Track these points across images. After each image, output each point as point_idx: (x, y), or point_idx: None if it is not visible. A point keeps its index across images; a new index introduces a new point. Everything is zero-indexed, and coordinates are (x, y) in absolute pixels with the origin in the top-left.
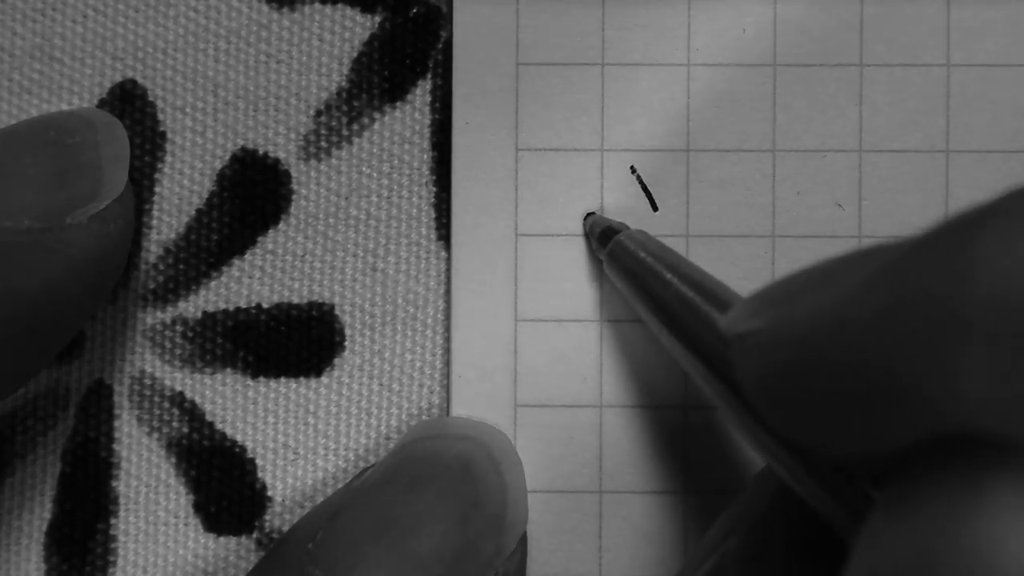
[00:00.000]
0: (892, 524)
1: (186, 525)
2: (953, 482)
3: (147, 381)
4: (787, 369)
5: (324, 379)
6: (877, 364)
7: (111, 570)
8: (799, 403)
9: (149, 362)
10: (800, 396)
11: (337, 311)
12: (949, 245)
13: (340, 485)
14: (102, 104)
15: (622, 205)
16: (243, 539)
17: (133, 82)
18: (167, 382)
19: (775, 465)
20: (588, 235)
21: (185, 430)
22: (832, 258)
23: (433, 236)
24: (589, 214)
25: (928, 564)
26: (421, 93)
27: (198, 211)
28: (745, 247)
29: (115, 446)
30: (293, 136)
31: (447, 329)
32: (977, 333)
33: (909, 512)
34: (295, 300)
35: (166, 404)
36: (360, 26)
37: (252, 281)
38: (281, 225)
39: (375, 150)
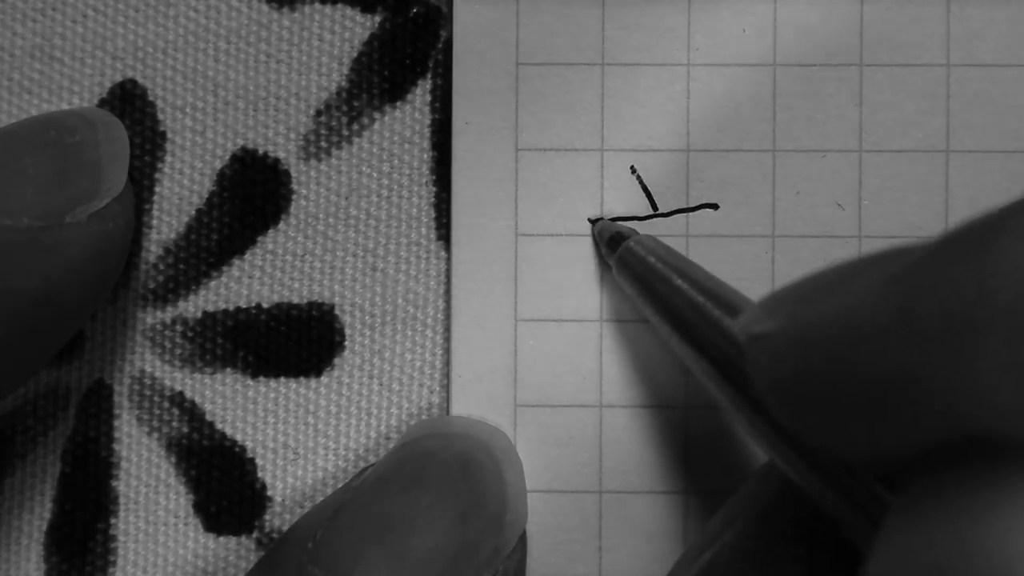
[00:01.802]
0: (912, 526)
1: (186, 525)
2: (975, 484)
3: (147, 381)
4: (803, 371)
5: (324, 379)
6: (895, 366)
7: (111, 570)
8: (815, 405)
9: (149, 362)
10: (816, 398)
11: (337, 311)
12: (968, 249)
13: (340, 485)
14: (102, 104)
15: (622, 205)
16: (243, 539)
17: (133, 82)
18: (167, 382)
19: (787, 467)
20: (596, 240)
21: (185, 430)
22: (847, 260)
23: (433, 236)
24: (597, 219)
25: (951, 566)
26: (421, 93)
27: (198, 211)
28: (745, 247)
29: (115, 446)
30: (293, 136)
31: (447, 329)
32: (998, 336)
33: (930, 514)
34: (295, 300)
35: (166, 404)
36: (360, 26)
37: (252, 281)
38: (281, 225)
39: (375, 150)
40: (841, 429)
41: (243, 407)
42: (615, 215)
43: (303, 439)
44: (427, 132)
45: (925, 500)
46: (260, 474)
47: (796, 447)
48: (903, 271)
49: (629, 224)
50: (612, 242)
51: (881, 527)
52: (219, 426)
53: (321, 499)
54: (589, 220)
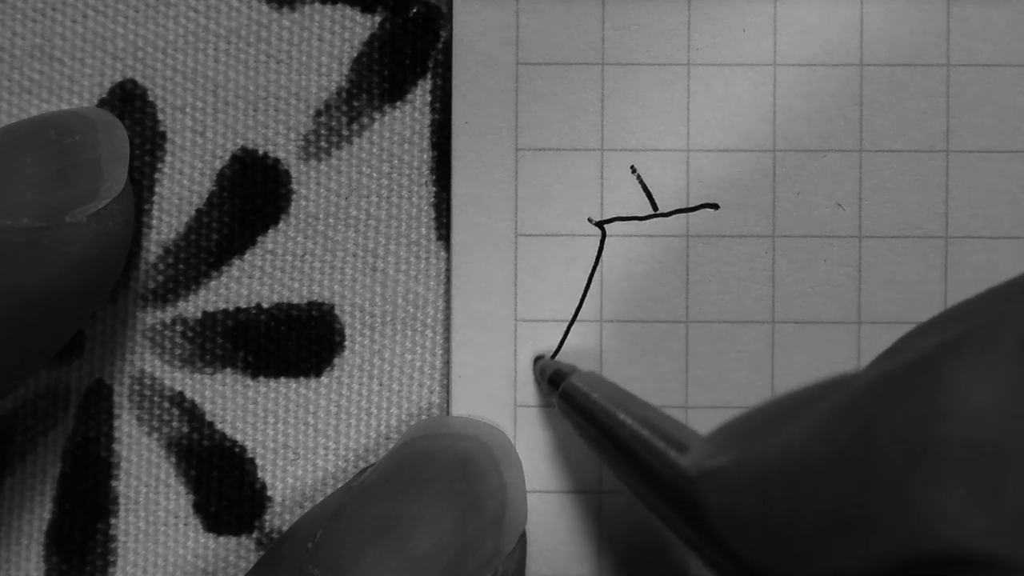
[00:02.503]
0: None
1: (186, 525)
2: None
3: (147, 381)
4: (757, 503)
5: (324, 379)
6: (849, 496)
7: (111, 570)
8: (771, 535)
9: (149, 362)
10: (772, 528)
11: (337, 311)
12: (915, 384)
13: (340, 485)
14: (102, 104)
15: (622, 205)
16: (243, 539)
17: (133, 82)
18: (167, 382)
19: None
20: (538, 380)
21: (185, 430)
22: (795, 391)
23: (433, 236)
24: (538, 358)
25: None
26: (421, 93)
27: (198, 211)
28: (745, 247)
29: (115, 446)
30: (293, 136)
31: (447, 329)
32: (952, 467)
33: None
34: (295, 300)
35: (166, 404)
36: (360, 26)
37: (252, 281)
38: (281, 225)
39: (375, 150)
40: (799, 558)
41: (243, 407)
42: (615, 215)
43: (303, 439)
44: (427, 132)
45: None
46: (260, 474)
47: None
48: (849, 403)
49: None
50: (553, 380)
51: None
52: (219, 426)
53: (321, 499)
54: (534, 360)
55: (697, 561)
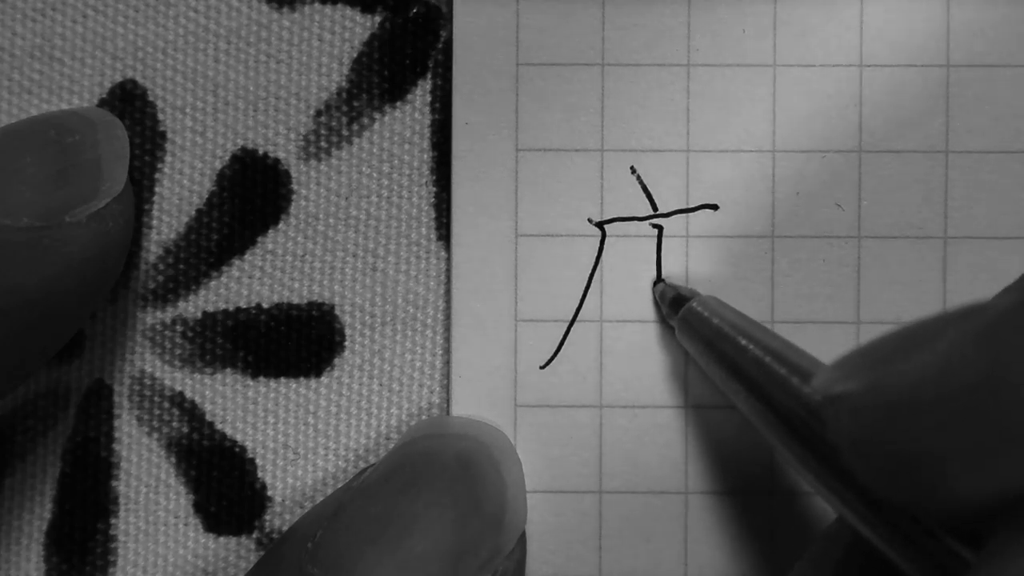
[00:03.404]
0: None
1: (186, 525)
2: None
3: (147, 381)
4: (885, 430)
5: (324, 379)
6: (980, 424)
7: (111, 570)
8: (898, 463)
9: (149, 362)
10: (899, 456)
11: (337, 311)
12: None
13: (340, 485)
14: (102, 104)
15: (622, 205)
16: (243, 539)
17: (133, 82)
18: (167, 382)
19: (862, 526)
20: (658, 302)
21: (185, 430)
22: (924, 319)
23: (433, 236)
24: (658, 281)
25: None
26: (421, 93)
27: (198, 211)
28: (745, 247)
29: (115, 446)
30: (293, 136)
31: (447, 329)
32: None
33: (1013, 569)
34: (295, 300)
35: (166, 404)
36: (360, 26)
37: (252, 281)
38: (281, 225)
39: (375, 150)
40: (926, 485)
41: (243, 407)
42: (615, 215)
43: (303, 439)
44: (427, 132)
45: (1008, 555)
46: (260, 474)
47: (874, 506)
48: (989, 327)
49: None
50: (675, 303)
51: None
52: (219, 426)
53: (321, 499)
54: (653, 282)
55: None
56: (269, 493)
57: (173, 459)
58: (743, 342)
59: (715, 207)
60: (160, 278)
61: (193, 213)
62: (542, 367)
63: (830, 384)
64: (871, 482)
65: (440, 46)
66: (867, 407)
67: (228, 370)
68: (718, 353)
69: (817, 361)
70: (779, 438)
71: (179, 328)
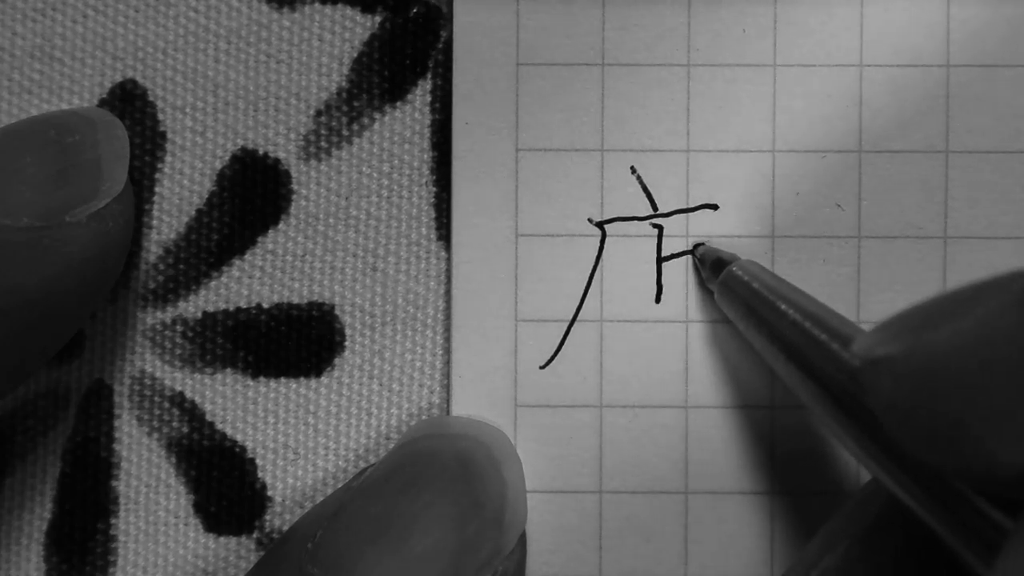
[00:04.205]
0: None
1: (186, 525)
2: None
3: (147, 381)
4: (927, 395)
5: (324, 379)
6: (1022, 386)
7: (111, 570)
8: (940, 428)
9: (149, 362)
10: (941, 421)
11: (337, 311)
12: None
13: (340, 485)
14: (102, 104)
15: (622, 205)
16: (243, 539)
17: (133, 82)
18: (167, 382)
19: (900, 491)
20: (698, 265)
21: (185, 430)
22: (963, 286)
23: (433, 236)
24: (698, 244)
25: None
26: (421, 93)
27: (198, 211)
28: (745, 247)
29: (115, 446)
30: (293, 136)
31: (447, 329)
32: None
33: None
34: (295, 300)
35: (166, 404)
36: (360, 26)
37: (252, 281)
38: (281, 225)
39: (375, 150)
40: (966, 450)
41: (243, 407)
42: (615, 215)
43: (303, 439)
44: (427, 132)
45: None
46: (260, 474)
47: (912, 470)
48: None
49: (711, 243)
50: (715, 267)
51: (1000, 552)
52: (219, 426)
53: (321, 499)
54: (694, 247)
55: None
56: (269, 493)
57: (173, 459)
58: (783, 306)
59: (715, 207)
60: (160, 278)
61: (193, 213)
62: (542, 367)
63: (871, 348)
64: (910, 447)
65: (440, 46)
66: (908, 372)
67: (228, 370)
68: (758, 317)
69: (858, 327)
70: (819, 403)
71: (179, 328)
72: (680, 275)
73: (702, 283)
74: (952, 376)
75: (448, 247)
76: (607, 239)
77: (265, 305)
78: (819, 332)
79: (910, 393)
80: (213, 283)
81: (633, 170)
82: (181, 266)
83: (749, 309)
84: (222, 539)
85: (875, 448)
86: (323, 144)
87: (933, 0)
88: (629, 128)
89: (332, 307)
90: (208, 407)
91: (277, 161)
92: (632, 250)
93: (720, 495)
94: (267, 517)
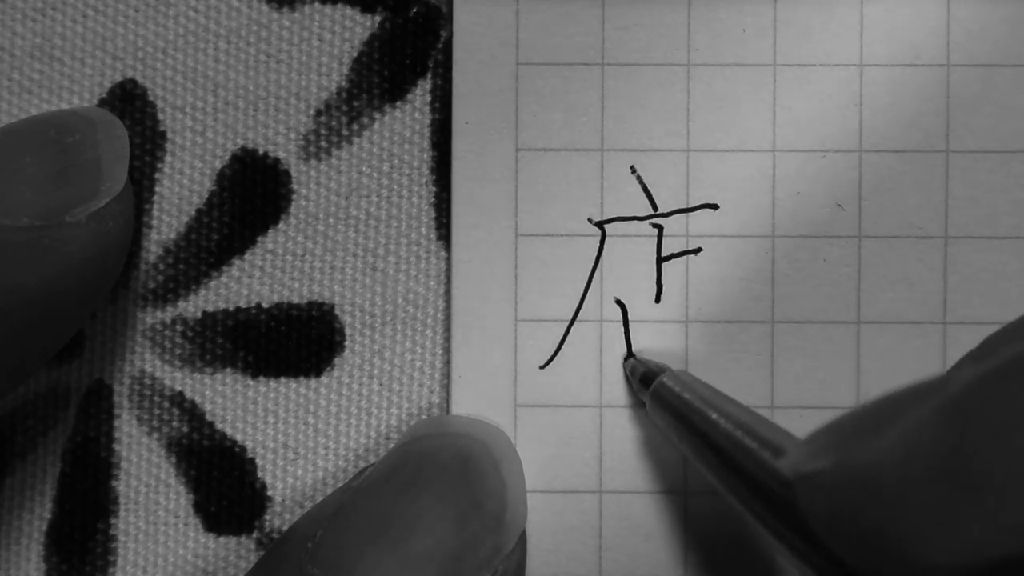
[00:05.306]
0: None
1: (186, 525)
2: None
3: (147, 381)
4: (857, 507)
5: (324, 379)
6: (949, 500)
7: (111, 570)
8: (870, 537)
9: (149, 362)
10: (871, 531)
11: (337, 311)
12: (1010, 391)
13: (340, 485)
14: (102, 104)
15: (622, 205)
16: (243, 539)
17: (133, 82)
18: (167, 382)
19: None
20: (629, 377)
21: (185, 430)
22: (888, 394)
23: (433, 236)
24: (628, 356)
25: None
26: (421, 93)
27: (198, 211)
28: (745, 247)
29: (115, 446)
30: (293, 136)
31: (447, 329)
32: None
33: None
34: (295, 300)
35: (166, 404)
36: (360, 26)
37: (252, 281)
38: (281, 225)
39: (375, 150)
40: (897, 560)
41: (243, 407)
42: (615, 215)
43: (303, 439)
44: (427, 132)
45: None
46: (260, 474)
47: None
48: (946, 409)
49: (653, 358)
50: (644, 380)
51: None
52: (219, 426)
53: (321, 499)
54: (623, 358)
55: (785, 561)
56: (269, 493)
57: (173, 459)
58: (714, 416)
59: (715, 207)
60: (160, 278)
61: (193, 213)
62: (542, 367)
63: (801, 462)
64: (845, 555)
65: (440, 46)
66: (837, 485)
67: (228, 370)
68: (689, 427)
69: (789, 435)
70: (753, 512)
71: (179, 328)
72: (680, 275)
73: (634, 395)
74: (880, 489)
75: (448, 247)
76: (607, 239)
77: (265, 305)
78: (751, 442)
79: (841, 506)
80: (213, 283)
81: (633, 170)
82: (181, 266)
83: (681, 419)
84: (222, 539)
85: (812, 556)
86: (323, 144)
87: (933, 0)
88: (629, 128)
89: (332, 307)
90: (208, 407)
91: (277, 161)
92: (632, 250)
93: (720, 495)
94: (267, 517)
